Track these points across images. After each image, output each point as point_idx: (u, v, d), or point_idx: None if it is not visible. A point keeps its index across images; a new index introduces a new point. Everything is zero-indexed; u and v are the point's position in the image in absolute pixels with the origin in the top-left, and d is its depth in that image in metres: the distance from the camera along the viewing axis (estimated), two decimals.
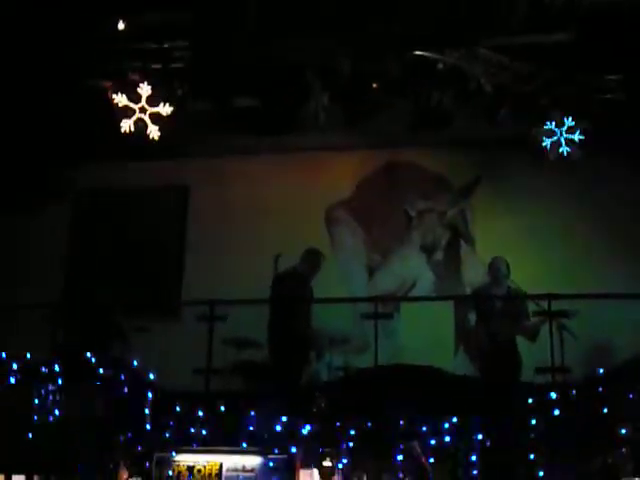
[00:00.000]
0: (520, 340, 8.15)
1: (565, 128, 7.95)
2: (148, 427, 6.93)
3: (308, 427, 6.68)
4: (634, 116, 8.64)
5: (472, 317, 8.50)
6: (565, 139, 7.98)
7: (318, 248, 8.78)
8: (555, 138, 7.99)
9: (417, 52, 8.05)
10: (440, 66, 8.14)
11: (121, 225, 10.77)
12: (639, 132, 9.01)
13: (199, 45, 7.97)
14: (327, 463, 6.66)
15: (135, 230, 10.70)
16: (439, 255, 10.16)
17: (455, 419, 6.54)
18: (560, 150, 8.01)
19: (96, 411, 6.98)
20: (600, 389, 6.54)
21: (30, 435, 6.92)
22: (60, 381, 7.05)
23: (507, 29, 7.75)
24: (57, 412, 6.95)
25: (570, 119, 7.97)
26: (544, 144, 8.05)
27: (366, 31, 7.78)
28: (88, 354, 7.09)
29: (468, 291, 9.45)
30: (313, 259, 8.61)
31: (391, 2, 7.67)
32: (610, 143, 9.06)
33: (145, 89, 7.88)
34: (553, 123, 7.99)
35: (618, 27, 7.61)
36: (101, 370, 7.02)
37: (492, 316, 8.15)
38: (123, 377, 7.08)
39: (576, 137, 7.97)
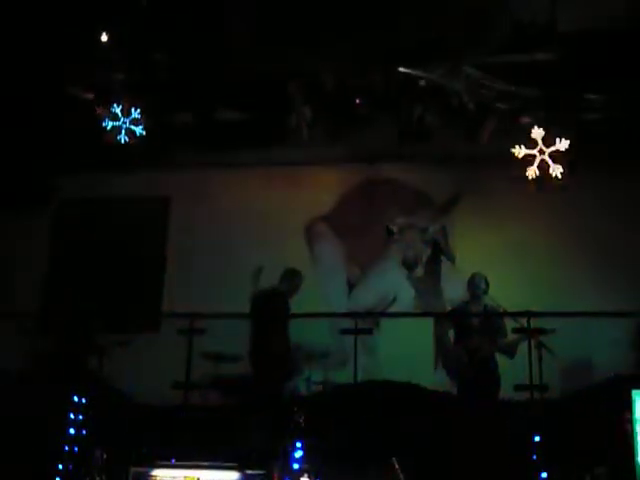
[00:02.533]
0: (499, 357, 8.17)
1: (544, 146, 8.00)
2: (125, 441, 6.88)
3: (286, 443, 6.65)
4: (615, 134, 8.72)
5: (451, 334, 8.48)
6: (544, 157, 8.02)
7: (297, 268, 8.77)
8: (535, 156, 8.03)
9: (400, 68, 8.09)
10: (423, 83, 8.19)
11: (102, 236, 10.71)
12: (620, 150, 9.09)
13: (182, 58, 7.97)
14: (305, 479, 6.63)
15: (116, 241, 10.64)
16: (419, 271, 10.17)
17: (433, 435, 6.54)
18: (540, 168, 8.06)
19: (73, 424, 6.92)
20: (578, 407, 6.56)
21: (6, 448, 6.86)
22: (38, 395, 7.00)
23: (489, 48, 7.80)
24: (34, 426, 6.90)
25: (550, 138, 8.02)
26: (524, 161, 8.11)
27: (350, 46, 7.81)
28: (65, 367, 7.04)
29: (448, 307, 9.47)
30: (292, 279, 8.63)
31: (375, 18, 7.71)
32: (591, 160, 9.14)
33: (128, 100, 7.87)
34: (532, 141, 8.05)
35: (599, 47, 7.69)
36: (78, 383, 6.97)
37: (470, 333, 8.17)
38: (100, 390, 7.04)
39: (556, 155, 8.02)
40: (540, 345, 7.45)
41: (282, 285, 8.59)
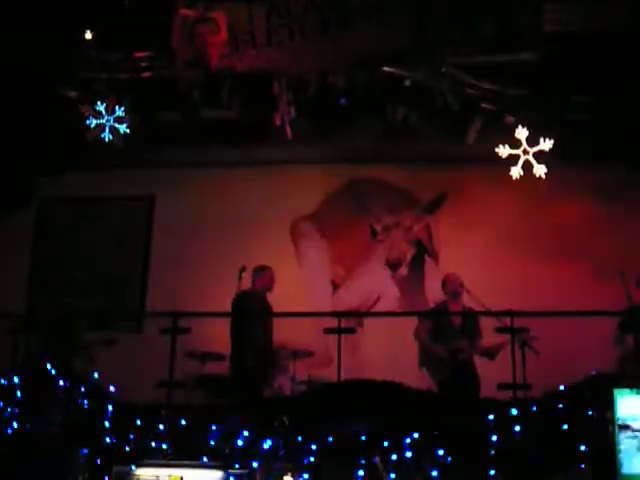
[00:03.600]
0: (477, 359, 8.20)
1: (529, 146, 8.02)
2: (108, 440, 6.86)
3: (269, 442, 6.64)
4: (597, 135, 8.76)
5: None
6: (529, 157, 8.04)
7: (265, 265, 8.75)
8: (519, 156, 8.05)
9: (385, 68, 8.09)
10: (407, 83, 8.20)
11: (86, 234, 10.69)
12: (603, 150, 9.13)
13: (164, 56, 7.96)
14: (288, 478, 6.63)
15: (100, 240, 10.62)
16: (404, 270, 10.20)
17: (416, 434, 6.55)
18: (524, 168, 8.08)
19: (56, 423, 6.89)
20: (560, 405, 6.58)
21: None
22: (19, 393, 6.95)
23: (475, 47, 7.82)
24: (15, 425, 6.86)
25: (534, 138, 8.04)
26: (508, 161, 8.13)
27: (335, 46, 7.82)
28: (48, 366, 7.00)
29: (432, 307, 9.49)
30: (263, 274, 8.61)
31: (361, 18, 7.72)
32: (574, 160, 9.18)
33: (111, 99, 7.84)
34: (517, 141, 8.06)
35: (584, 48, 7.73)
36: (61, 382, 6.93)
37: (450, 333, 8.18)
38: (83, 389, 7.01)
39: (540, 155, 8.05)
40: (523, 344, 7.49)
41: (256, 283, 8.58)
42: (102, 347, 8.17)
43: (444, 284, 8.47)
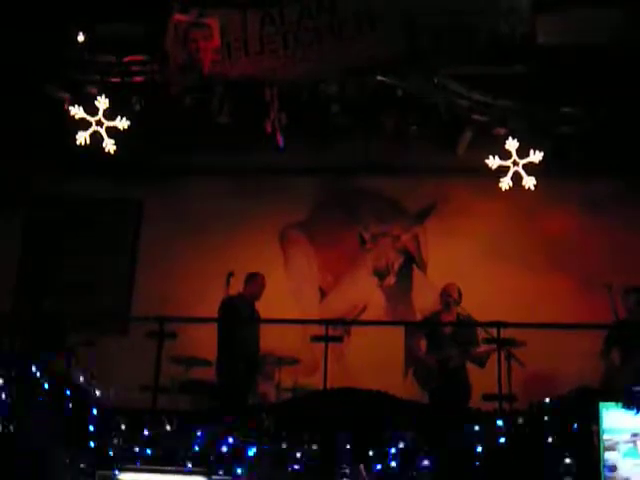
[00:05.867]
0: (469, 366, 8.20)
1: (519, 158, 8.04)
2: (91, 444, 6.81)
3: (254, 449, 6.62)
4: (587, 148, 8.79)
5: (422, 343, 8.48)
6: (518, 169, 8.07)
7: (257, 272, 8.75)
8: (509, 167, 8.07)
9: (378, 77, 8.10)
10: (399, 92, 8.21)
11: (74, 237, 10.65)
12: (593, 163, 9.17)
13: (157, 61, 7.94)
14: None
15: (88, 242, 10.59)
16: (391, 279, 10.20)
17: (402, 444, 6.54)
18: (513, 179, 8.10)
19: (39, 426, 6.84)
20: (546, 418, 6.58)
21: None
22: (3, 395, 6.90)
23: (467, 59, 7.84)
24: None
25: (524, 149, 8.07)
26: (498, 172, 8.15)
27: (328, 55, 7.82)
28: (33, 368, 6.96)
29: (419, 316, 9.49)
30: (253, 282, 8.61)
31: (354, 27, 7.72)
32: (564, 173, 9.21)
33: (102, 102, 7.82)
34: (507, 153, 8.09)
35: (576, 61, 7.76)
36: (45, 384, 6.89)
37: (442, 343, 8.19)
38: (68, 392, 6.96)
39: (530, 167, 8.07)
40: (509, 356, 7.50)
41: (247, 289, 8.58)
42: (81, 348, 8.09)
43: (442, 292, 8.48)
